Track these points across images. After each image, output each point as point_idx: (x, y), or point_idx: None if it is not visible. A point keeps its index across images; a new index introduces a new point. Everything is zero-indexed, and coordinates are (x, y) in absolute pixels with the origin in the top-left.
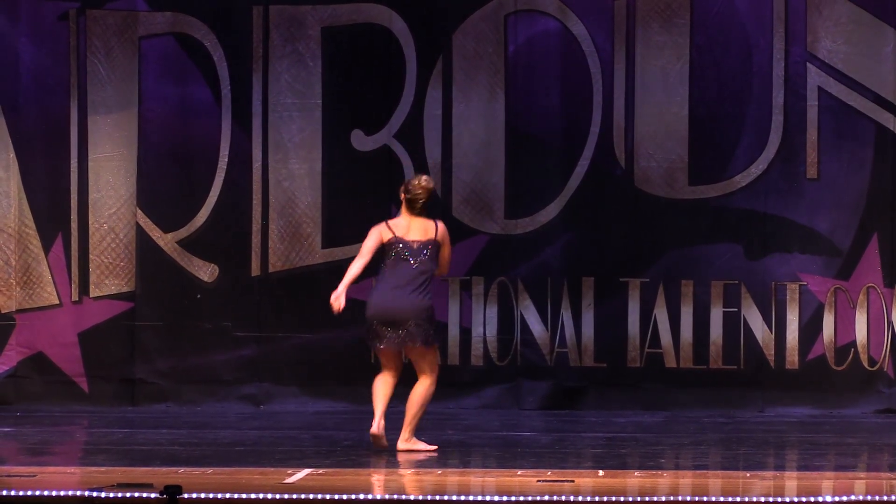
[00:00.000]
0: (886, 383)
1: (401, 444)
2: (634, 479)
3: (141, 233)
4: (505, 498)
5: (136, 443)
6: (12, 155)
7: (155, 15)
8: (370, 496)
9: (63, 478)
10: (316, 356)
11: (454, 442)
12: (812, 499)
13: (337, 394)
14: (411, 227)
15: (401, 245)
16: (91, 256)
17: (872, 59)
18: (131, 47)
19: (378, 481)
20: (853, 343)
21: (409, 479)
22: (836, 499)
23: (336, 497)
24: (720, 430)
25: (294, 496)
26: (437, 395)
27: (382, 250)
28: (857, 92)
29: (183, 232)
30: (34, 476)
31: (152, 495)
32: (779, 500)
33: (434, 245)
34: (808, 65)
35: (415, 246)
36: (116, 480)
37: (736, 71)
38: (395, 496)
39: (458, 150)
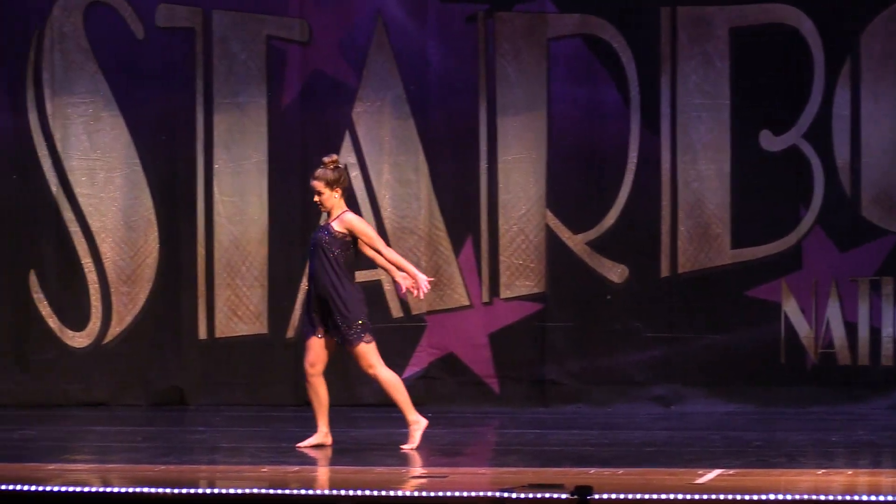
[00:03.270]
0: None
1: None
2: None
3: (550, 234)
4: None
5: (546, 444)
6: (422, 157)
7: (563, 17)
8: (781, 496)
9: (474, 478)
10: (725, 357)
11: (864, 442)
12: None
13: (746, 395)
14: None
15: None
16: (501, 258)
17: None
18: (540, 49)
19: (789, 482)
20: None
21: (820, 479)
22: None
23: (747, 497)
24: None
25: (705, 497)
26: (848, 395)
27: (355, 244)
28: None
29: (592, 233)
30: (445, 477)
31: (563, 496)
32: None
33: None
34: None
35: None
36: (527, 481)
37: None
38: (806, 496)
39: (867, 150)
